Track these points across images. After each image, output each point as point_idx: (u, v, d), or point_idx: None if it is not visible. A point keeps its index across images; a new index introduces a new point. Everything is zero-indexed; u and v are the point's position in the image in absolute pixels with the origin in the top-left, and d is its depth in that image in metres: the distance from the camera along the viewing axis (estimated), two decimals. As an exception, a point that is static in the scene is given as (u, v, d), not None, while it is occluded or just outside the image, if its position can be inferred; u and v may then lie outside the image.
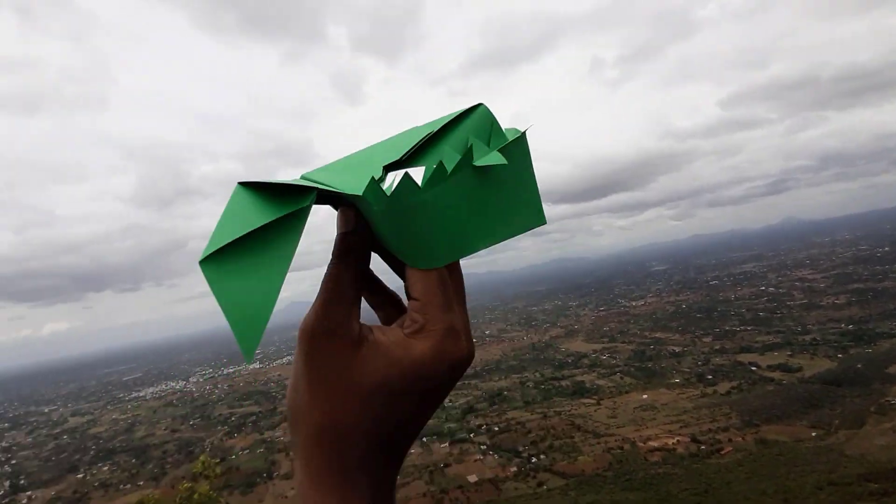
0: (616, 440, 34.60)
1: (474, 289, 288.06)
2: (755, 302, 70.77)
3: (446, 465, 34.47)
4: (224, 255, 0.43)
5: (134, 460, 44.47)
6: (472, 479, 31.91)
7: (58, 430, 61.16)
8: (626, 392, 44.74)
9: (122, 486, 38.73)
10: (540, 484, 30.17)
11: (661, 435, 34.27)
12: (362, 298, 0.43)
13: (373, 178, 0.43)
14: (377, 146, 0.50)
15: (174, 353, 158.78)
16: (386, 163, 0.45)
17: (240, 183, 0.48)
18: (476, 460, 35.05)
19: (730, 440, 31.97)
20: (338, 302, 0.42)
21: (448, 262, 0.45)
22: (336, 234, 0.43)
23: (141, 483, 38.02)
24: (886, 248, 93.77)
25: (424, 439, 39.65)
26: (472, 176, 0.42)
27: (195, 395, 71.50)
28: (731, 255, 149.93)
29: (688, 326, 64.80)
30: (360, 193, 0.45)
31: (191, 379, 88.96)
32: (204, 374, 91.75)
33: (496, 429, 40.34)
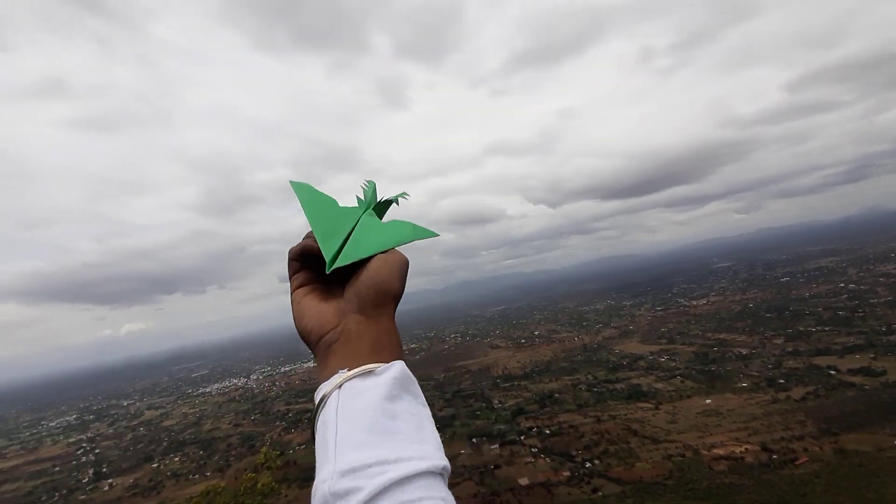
0: (677, 447, 32.77)
1: (521, 289, 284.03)
2: (833, 300, 64.76)
3: (496, 467, 34.02)
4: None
5: (201, 452, 47.38)
6: (524, 481, 31.30)
7: (135, 423, 66.44)
8: (688, 396, 42.32)
9: (191, 475, 41.30)
10: (595, 490, 29.12)
11: (727, 442, 32.10)
12: None
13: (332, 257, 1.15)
14: (345, 213, 1.15)
15: (236, 352, 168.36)
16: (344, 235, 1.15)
17: (291, 181, 1.18)
18: (527, 463, 34.37)
19: (805, 449, 29.43)
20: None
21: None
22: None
23: (208, 474, 40.34)
24: None
25: (474, 440, 39.43)
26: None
27: (255, 391, 75.10)
28: (804, 250, 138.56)
29: (756, 327, 60.41)
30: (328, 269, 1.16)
31: (251, 376, 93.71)
32: (263, 372, 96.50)
33: (547, 431, 39.37)
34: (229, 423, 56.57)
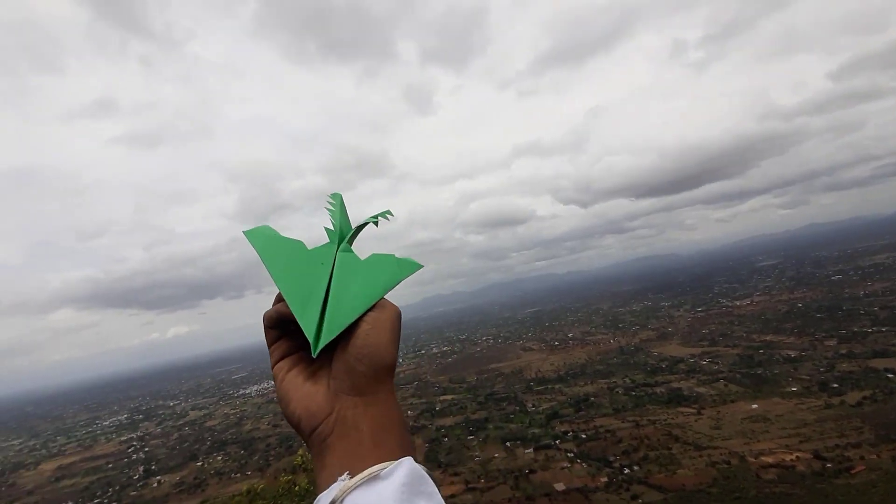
0: (721, 454, 31.39)
1: (554, 290, 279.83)
2: (891, 298, 60.64)
3: (531, 472, 33.51)
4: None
5: (242, 451, 49.00)
6: (560, 487, 30.69)
7: (181, 423, 69.45)
8: (732, 401, 40.49)
9: (233, 474, 42.76)
10: (634, 497, 28.22)
11: (776, 450, 30.48)
12: None
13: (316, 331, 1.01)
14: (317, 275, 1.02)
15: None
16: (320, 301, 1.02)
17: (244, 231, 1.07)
18: (563, 468, 33.68)
19: (862, 458, 27.63)
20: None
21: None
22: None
23: (249, 473, 41.64)
24: None
25: (508, 443, 38.97)
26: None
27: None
28: (857, 246, 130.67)
29: (805, 328, 57.26)
30: (312, 345, 1.02)
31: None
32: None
33: (583, 436, 38.51)
34: (268, 424, 58.25)
